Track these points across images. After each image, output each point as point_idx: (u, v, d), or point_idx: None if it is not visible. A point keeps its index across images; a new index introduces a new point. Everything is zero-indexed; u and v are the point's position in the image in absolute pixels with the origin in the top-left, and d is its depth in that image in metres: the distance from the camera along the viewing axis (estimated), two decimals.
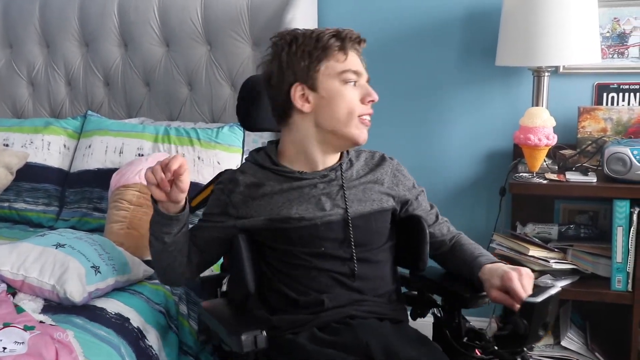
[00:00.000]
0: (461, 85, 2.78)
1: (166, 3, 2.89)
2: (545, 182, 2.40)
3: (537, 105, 2.51)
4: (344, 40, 1.64)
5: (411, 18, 2.78)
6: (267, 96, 1.72)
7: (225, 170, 1.88)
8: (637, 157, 2.28)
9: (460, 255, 1.80)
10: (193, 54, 2.89)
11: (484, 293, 1.69)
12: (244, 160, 1.86)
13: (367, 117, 1.68)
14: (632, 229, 2.32)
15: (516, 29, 2.41)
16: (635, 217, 2.31)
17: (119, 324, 1.89)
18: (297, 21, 2.62)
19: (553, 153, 2.55)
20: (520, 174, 2.47)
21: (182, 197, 1.59)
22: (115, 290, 2.03)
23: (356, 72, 1.66)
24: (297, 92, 1.64)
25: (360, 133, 1.67)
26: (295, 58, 1.63)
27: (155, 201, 1.62)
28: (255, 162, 1.74)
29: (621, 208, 2.32)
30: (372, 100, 1.68)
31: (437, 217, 1.87)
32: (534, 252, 2.43)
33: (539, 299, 1.48)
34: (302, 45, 1.63)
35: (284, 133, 1.73)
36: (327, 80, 1.64)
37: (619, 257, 2.36)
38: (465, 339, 1.75)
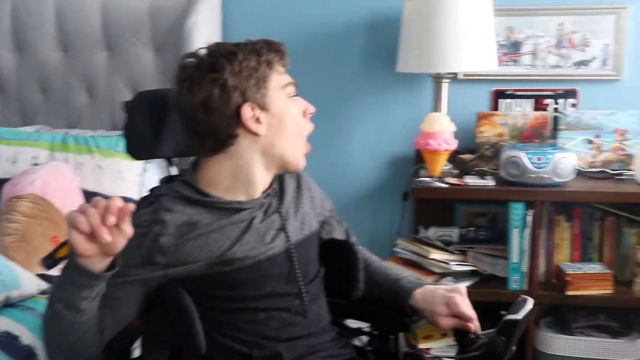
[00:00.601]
0: (364, 92, 2.81)
1: (63, 7, 2.79)
2: (445, 186, 2.46)
3: (437, 111, 2.57)
4: (279, 51, 1.50)
5: (314, 25, 2.79)
6: (194, 122, 1.45)
7: (137, 212, 1.37)
8: (531, 160, 2.36)
9: (374, 278, 1.68)
10: (92, 60, 2.80)
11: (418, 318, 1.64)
12: (154, 192, 1.50)
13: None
14: (526, 230, 2.40)
15: (416, 36, 2.46)
16: (529, 218, 2.39)
17: (7, 343, 1.80)
18: (200, 27, 2.60)
19: (453, 157, 2.61)
20: (422, 179, 2.52)
21: (121, 247, 1.24)
22: (5, 307, 1.94)
23: (294, 84, 1.53)
24: (247, 114, 1.43)
25: (304, 158, 1.54)
26: (241, 76, 1.43)
27: (72, 255, 1.23)
28: (180, 196, 1.45)
29: (516, 210, 2.41)
30: (312, 113, 1.55)
31: (348, 235, 1.73)
32: (435, 255, 2.48)
33: (520, 315, 1.45)
34: (245, 61, 1.44)
35: (218, 160, 1.47)
36: (276, 97, 1.48)
37: (515, 257, 2.44)
38: None
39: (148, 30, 2.72)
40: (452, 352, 2.31)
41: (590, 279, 2.43)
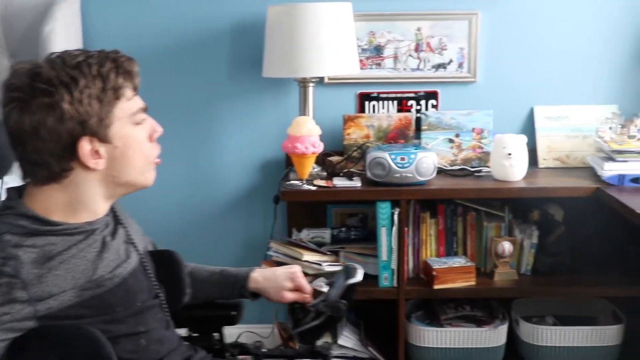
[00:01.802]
0: (232, 97, 2.81)
1: None
2: (314, 188, 2.49)
3: (304, 114, 2.60)
4: (129, 74, 1.37)
5: (179, 30, 2.76)
6: (22, 148, 1.32)
7: None
8: (395, 161, 2.44)
9: (201, 277, 1.69)
10: None
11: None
12: None
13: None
14: (394, 228, 2.48)
15: (279, 41, 2.48)
16: (396, 217, 2.47)
17: None
18: (58, 34, 2.50)
19: (322, 160, 2.65)
20: (291, 182, 2.54)
21: None
22: None
23: (144, 109, 1.42)
24: (84, 148, 1.31)
25: (153, 175, 1.45)
26: (81, 106, 1.29)
27: None
28: (25, 231, 1.30)
29: (383, 209, 2.48)
30: (160, 134, 1.45)
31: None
32: (308, 256, 2.51)
33: (359, 278, 1.61)
34: (87, 89, 1.29)
35: (52, 189, 1.35)
36: (121, 127, 1.35)
37: (384, 255, 2.51)
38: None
39: (1, 36, 2.60)
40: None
41: (455, 272, 2.53)
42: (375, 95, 2.79)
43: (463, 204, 2.61)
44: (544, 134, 2.74)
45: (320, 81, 2.72)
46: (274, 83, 2.76)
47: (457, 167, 2.68)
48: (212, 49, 2.77)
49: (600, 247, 2.71)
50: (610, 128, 2.53)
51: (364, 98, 2.80)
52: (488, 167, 2.61)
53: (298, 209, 2.75)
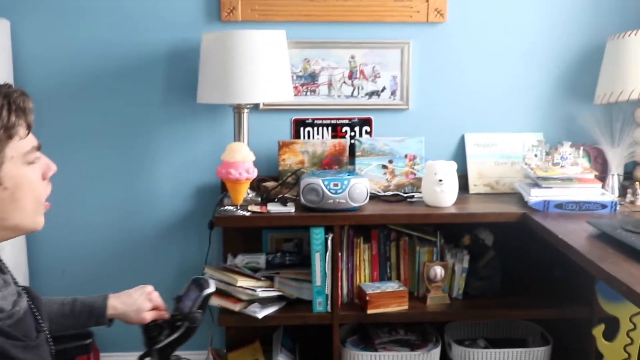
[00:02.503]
0: (167, 123, 2.80)
1: None
2: (248, 214, 2.49)
3: (239, 140, 2.61)
4: (24, 111, 1.28)
5: (115, 55, 2.74)
6: None
7: None
8: (328, 187, 2.46)
9: (54, 309, 1.63)
10: None
11: None
12: None
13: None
14: (327, 253, 2.50)
15: (214, 68, 2.49)
16: (329, 242, 2.49)
17: None
18: None
19: (257, 185, 2.66)
20: (226, 207, 2.54)
21: None
22: None
23: (38, 147, 1.33)
24: None
25: (43, 219, 1.37)
26: None
27: None
28: None
29: (317, 235, 2.50)
30: (53, 173, 1.38)
31: None
32: (243, 282, 2.51)
33: (212, 287, 1.72)
34: None
35: None
36: (11, 168, 1.26)
37: (318, 281, 2.52)
38: None
39: None
40: None
41: (388, 297, 2.56)
42: (310, 121, 2.82)
43: (396, 229, 2.65)
44: (474, 161, 2.81)
45: (255, 107, 2.74)
46: (209, 109, 2.76)
47: (390, 193, 2.72)
48: (148, 74, 2.76)
49: (528, 270, 2.79)
50: (535, 155, 2.62)
51: (299, 124, 2.82)
52: (420, 192, 2.66)
53: (233, 234, 2.75)
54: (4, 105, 1.25)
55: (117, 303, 1.67)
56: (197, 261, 2.82)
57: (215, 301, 2.47)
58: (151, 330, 1.67)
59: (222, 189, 2.71)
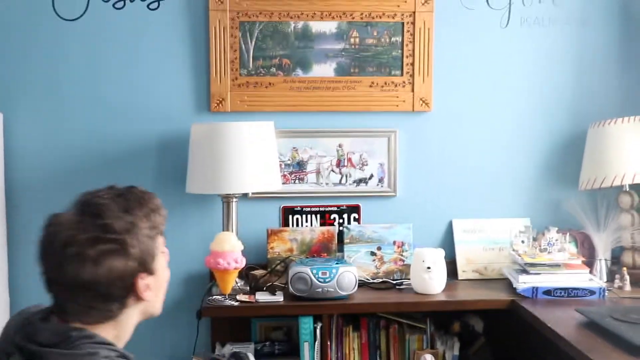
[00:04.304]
0: None
1: None
2: (236, 303, 2.48)
3: (227, 229, 2.62)
4: (161, 210, 1.45)
5: (105, 145, 2.78)
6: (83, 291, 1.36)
7: None
8: (316, 275, 2.46)
9: None
10: None
11: None
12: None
13: None
14: (316, 343, 2.47)
15: (203, 158, 2.53)
16: (318, 331, 2.47)
17: None
18: None
19: (245, 274, 2.66)
20: (214, 297, 2.53)
21: None
22: None
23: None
24: (142, 283, 1.38)
25: None
26: (142, 241, 1.36)
27: None
28: (116, 354, 1.39)
29: (305, 324, 2.48)
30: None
31: None
32: None
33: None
34: (145, 220, 1.38)
35: (105, 326, 1.41)
36: (161, 261, 1.44)
37: None
38: None
39: None
40: None
41: None
42: (298, 209, 2.85)
43: (385, 317, 2.63)
44: (462, 247, 2.82)
45: (244, 196, 2.76)
46: (198, 198, 2.79)
47: (379, 280, 2.72)
48: (138, 164, 2.79)
49: (520, 357, 2.75)
50: (522, 241, 2.63)
51: (288, 212, 2.84)
52: (409, 279, 2.65)
53: (221, 323, 2.72)
54: (154, 209, 1.42)
55: None
56: (186, 350, 2.78)
57: None
58: None
59: (211, 278, 2.70)
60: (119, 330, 1.43)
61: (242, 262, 2.49)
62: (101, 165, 2.79)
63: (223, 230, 2.63)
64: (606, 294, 2.47)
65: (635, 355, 1.83)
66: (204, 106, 2.80)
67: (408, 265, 2.71)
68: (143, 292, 1.39)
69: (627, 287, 2.56)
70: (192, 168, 2.58)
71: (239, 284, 2.60)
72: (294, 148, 2.82)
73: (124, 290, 1.38)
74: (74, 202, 1.40)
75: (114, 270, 1.34)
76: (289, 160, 2.82)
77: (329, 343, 2.51)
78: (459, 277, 2.78)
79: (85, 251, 1.32)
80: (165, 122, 2.79)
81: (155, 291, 1.44)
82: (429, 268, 2.52)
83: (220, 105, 2.77)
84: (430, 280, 2.53)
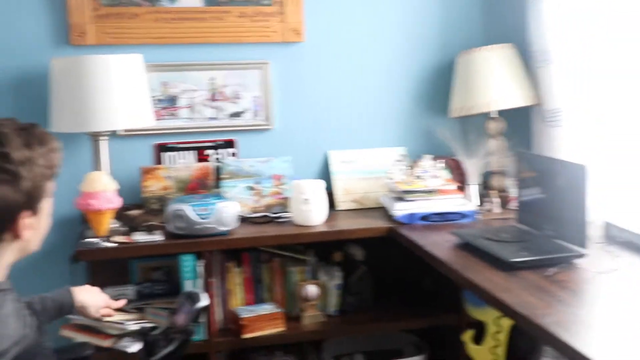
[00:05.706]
0: None
1: None
2: (113, 245, 2.39)
3: (98, 169, 2.50)
4: (58, 150, 1.48)
5: None
6: None
7: None
8: (196, 212, 2.40)
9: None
10: None
11: None
12: None
13: None
14: (199, 280, 2.44)
15: (67, 95, 2.39)
16: (200, 269, 2.43)
17: None
18: None
19: (121, 214, 2.55)
20: (88, 240, 2.42)
21: None
22: None
23: None
24: (23, 221, 1.38)
25: None
26: (35, 178, 1.37)
27: None
28: None
29: (187, 262, 2.43)
30: None
31: None
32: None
33: (205, 301, 1.88)
34: (42, 159, 1.39)
35: None
36: (48, 202, 1.46)
37: None
38: None
39: None
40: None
41: (263, 320, 2.53)
42: (172, 145, 2.75)
43: (267, 251, 2.63)
44: (339, 177, 2.84)
45: (113, 133, 2.63)
46: (64, 137, 2.59)
47: (259, 214, 2.69)
48: None
49: (399, 282, 2.84)
50: (399, 170, 2.68)
51: (162, 149, 2.74)
52: (288, 212, 2.65)
53: (99, 267, 2.60)
54: (53, 150, 1.45)
55: (82, 298, 1.87)
56: None
57: (82, 337, 2.34)
58: (148, 344, 1.80)
59: (83, 221, 2.58)
60: None
61: (116, 202, 2.39)
62: None
63: (93, 171, 2.50)
64: (476, 216, 2.57)
65: (507, 270, 1.92)
66: (63, 39, 2.62)
67: (287, 199, 2.70)
68: (22, 230, 1.39)
69: (497, 209, 2.68)
70: (56, 105, 2.42)
71: (114, 225, 2.50)
72: (163, 82, 2.70)
73: (3, 224, 1.37)
74: None
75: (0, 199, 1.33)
76: (160, 95, 2.70)
77: (212, 280, 2.48)
78: (338, 208, 2.81)
79: None
80: (21, 57, 2.59)
81: (34, 231, 1.43)
82: (306, 200, 2.52)
83: (82, 38, 2.60)
84: (309, 212, 2.54)
